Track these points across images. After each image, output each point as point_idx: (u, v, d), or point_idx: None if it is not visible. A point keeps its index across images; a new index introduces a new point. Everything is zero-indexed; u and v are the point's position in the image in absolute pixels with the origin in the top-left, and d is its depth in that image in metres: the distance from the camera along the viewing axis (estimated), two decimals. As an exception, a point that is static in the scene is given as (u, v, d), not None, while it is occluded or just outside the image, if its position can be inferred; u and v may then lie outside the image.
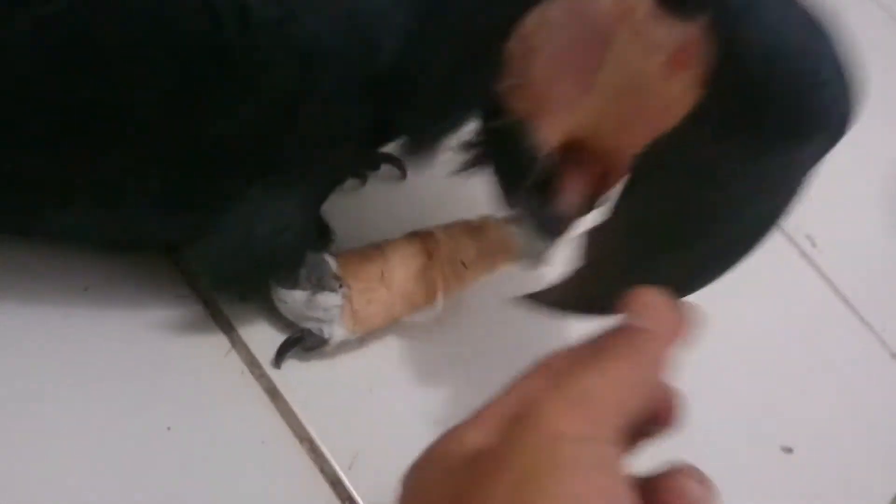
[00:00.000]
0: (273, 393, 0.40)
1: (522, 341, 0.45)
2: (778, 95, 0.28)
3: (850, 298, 0.61)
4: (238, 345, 0.41)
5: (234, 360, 0.40)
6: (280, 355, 0.40)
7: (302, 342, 0.40)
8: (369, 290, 0.40)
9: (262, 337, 0.41)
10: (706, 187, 0.30)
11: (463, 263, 0.42)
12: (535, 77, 0.32)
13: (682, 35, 0.29)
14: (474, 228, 0.43)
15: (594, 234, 0.34)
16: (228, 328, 0.41)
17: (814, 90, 0.28)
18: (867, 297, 0.61)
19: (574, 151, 0.33)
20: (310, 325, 0.40)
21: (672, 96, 0.30)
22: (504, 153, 0.34)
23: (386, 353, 0.43)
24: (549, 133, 0.33)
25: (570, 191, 0.35)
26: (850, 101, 0.29)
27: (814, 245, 0.62)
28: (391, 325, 0.42)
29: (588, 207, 0.35)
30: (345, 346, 0.42)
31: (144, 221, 0.35)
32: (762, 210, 0.31)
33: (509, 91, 0.32)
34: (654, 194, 0.32)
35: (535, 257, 0.39)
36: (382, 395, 0.42)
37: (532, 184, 0.34)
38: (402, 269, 0.41)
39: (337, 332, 0.40)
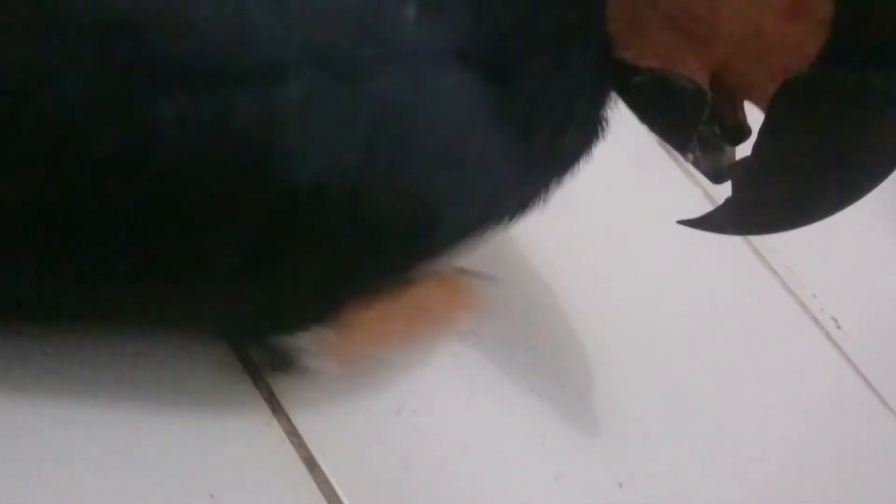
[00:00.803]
0: (310, 462, 0.41)
1: (549, 361, 0.49)
2: None
3: (874, 383, 0.62)
4: (279, 413, 0.42)
5: (276, 429, 0.41)
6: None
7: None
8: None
9: (304, 407, 0.42)
10: (842, 119, 0.32)
11: (432, 308, 0.45)
12: (659, 34, 0.33)
13: None
14: (447, 277, 0.45)
15: (745, 165, 0.36)
16: (270, 396, 0.42)
17: None
18: (892, 381, 0.62)
19: (719, 88, 0.35)
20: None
21: (798, 40, 0.31)
22: (661, 104, 0.36)
23: (423, 427, 0.45)
24: (695, 74, 0.34)
25: (730, 121, 0.36)
26: None
27: (839, 327, 0.63)
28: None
29: (744, 135, 0.37)
30: (382, 416, 0.43)
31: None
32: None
33: (639, 51, 0.34)
34: (793, 128, 0.33)
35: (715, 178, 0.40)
36: (419, 471, 0.43)
37: (698, 124, 0.36)
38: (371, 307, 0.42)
39: (313, 359, 0.41)
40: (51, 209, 0.32)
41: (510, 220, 0.41)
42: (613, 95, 0.38)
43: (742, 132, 0.36)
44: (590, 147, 0.39)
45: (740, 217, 0.37)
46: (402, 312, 0.44)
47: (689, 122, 0.35)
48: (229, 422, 0.41)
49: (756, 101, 0.35)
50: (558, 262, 0.55)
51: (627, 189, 0.62)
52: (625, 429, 0.51)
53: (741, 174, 0.36)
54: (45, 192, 0.31)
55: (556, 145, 0.38)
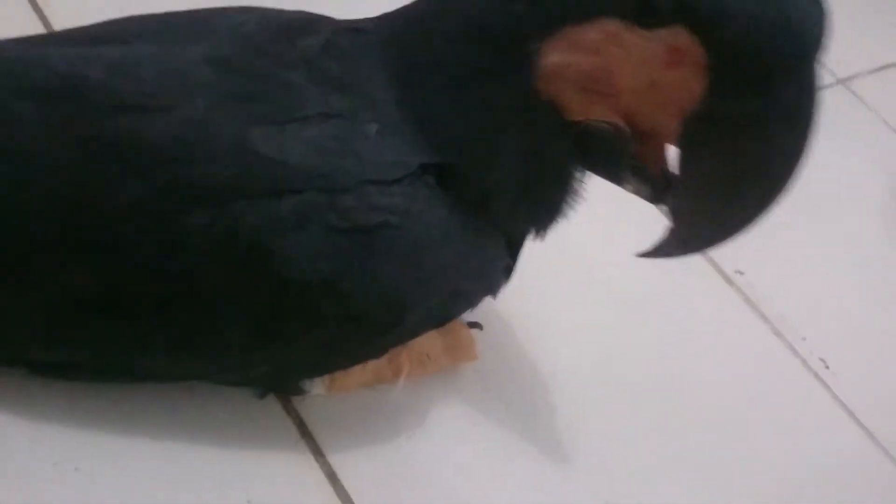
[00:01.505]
0: (333, 477, 0.49)
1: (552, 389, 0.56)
2: (762, 37, 0.34)
3: (865, 422, 0.66)
4: (306, 436, 0.50)
5: (303, 449, 0.49)
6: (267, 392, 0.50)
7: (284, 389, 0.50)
8: None
9: (328, 431, 0.50)
10: (742, 139, 0.36)
11: (427, 355, 0.52)
12: (574, 97, 0.38)
13: (667, 38, 0.36)
14: (445, 327, 0.52)
15: (675, 193, 0.40)
16: (298, 421, 0.50)
17: (783, 15, 0.34)
18: (884, 421, 0.66)
19: (635, 132, 0.40)
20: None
21: (685, 84, 0.36)
22: (593, 149, 0.40)
23: (430, 449, 0.52)
24: (613, 124, 0.39)
25: (651, 161, 0.41)
26: (819, 8, 0.35)
27: (827, 367, 0.68)
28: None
29: (666, 172, 0.41)
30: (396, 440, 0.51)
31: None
32: (795, 144, 0.37)
33: (568, 110, 0.39)
34: (702, 157, 0.38)
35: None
36: (426, 486, 0.50)
37: (627, 165, 0.41)
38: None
39: (316, 387, 0.49)
40: (105, 297, 0.41)
41: (485, 296, 0.48)
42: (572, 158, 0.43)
43: (666, 174, 0.41)
44: (557, 209, 0.45)
45: (682, 239, 0.41)
46: (405, 356, 0.52)
47: (617, 159, 0.40)
48: (263, 442, 0.49)
49: (669, 140, 0.39)
50: (550, 307, 0.62)
51: (615, 235, 0.69)
52: (613, 467, 0.56)
53: (672, 202, 0.41)
54: (101, 284, 0.41)
55: (518, 217, 0.44)
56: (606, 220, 0.69)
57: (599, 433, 0.57)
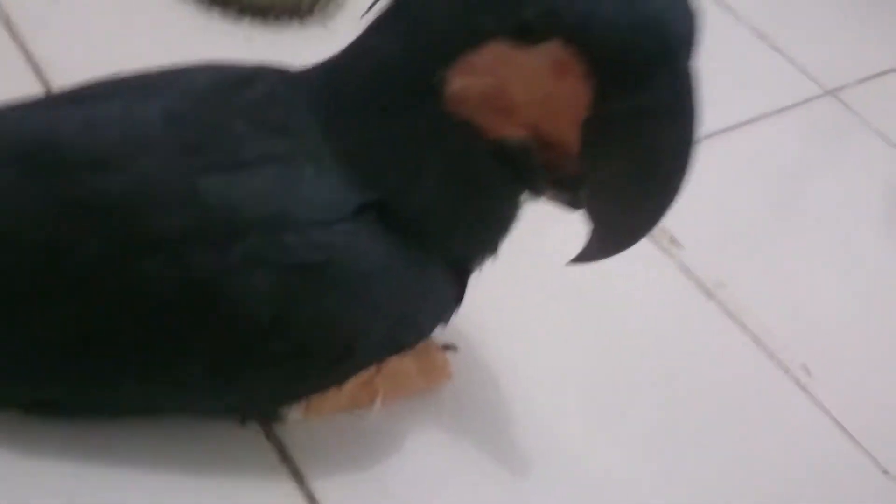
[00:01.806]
0: (311, 498, 0.52)
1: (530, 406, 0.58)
2: (626, 41, 0.37)
3: (848, 427, 0.67)
4: (286, 460, 0.53)
5: (283, 472, 0.52)
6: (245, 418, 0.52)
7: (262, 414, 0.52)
8: None
9: (306, 454, 0.53)
10: (632, 138, 0.39)
11: (402, 378, 0.55)
12: (482, 117, 0.41)
13: (548, 53, 0.38)
14: (418, 350, 0.54)
15: (587, 198, 0.43)
16: (279, 446, 0.53)
17: (645, 17, 0.37)
18: (866, 426, 0.66)
19: (543, 145, 0.42)
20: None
21: (574, 92, 0.38)
22: (511, 166, 0.43)
23: (405, 467, 0.54)
24: (517, 135, 0.41)
25: (563, 170, 0.42)
26: (684, 7, 0.38)
27: (809, 375, 0.70)
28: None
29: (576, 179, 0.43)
30: (372, 460, 0.53)
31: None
32: (682, 134, 0.39)
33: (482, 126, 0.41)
34: (602, 160, 0.40)
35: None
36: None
37: (541, 176, 0.43)
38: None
39: (293, 413, 0.52)
40: (78, 340, 0.45)
41: (435, 325, 0.50)
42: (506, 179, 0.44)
43: (576, 181, 0.42)
44: (494, 229, 0.47)
45: (601, 241, 0.43)
46: (380, 380, 0.55)
47: (528, 170, 0.42)
48: (245, 468, 0.52)
49: (574, 148, 0.40)
50: (526, 324, 0.65)
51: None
52: (593, 483, 0.58)
53: (585, 206, 0.43)
54: (74, 328, 0.44)
55: (458, 241, 0.47)
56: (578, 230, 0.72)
57: (579, 449, 0.59)
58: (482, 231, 0.47)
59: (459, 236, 0.46)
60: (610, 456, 0.59)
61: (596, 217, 0.43)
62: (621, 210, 0.42)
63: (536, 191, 0.44)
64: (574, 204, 0.44)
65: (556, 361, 0.63)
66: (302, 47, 0.60)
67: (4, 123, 0.47)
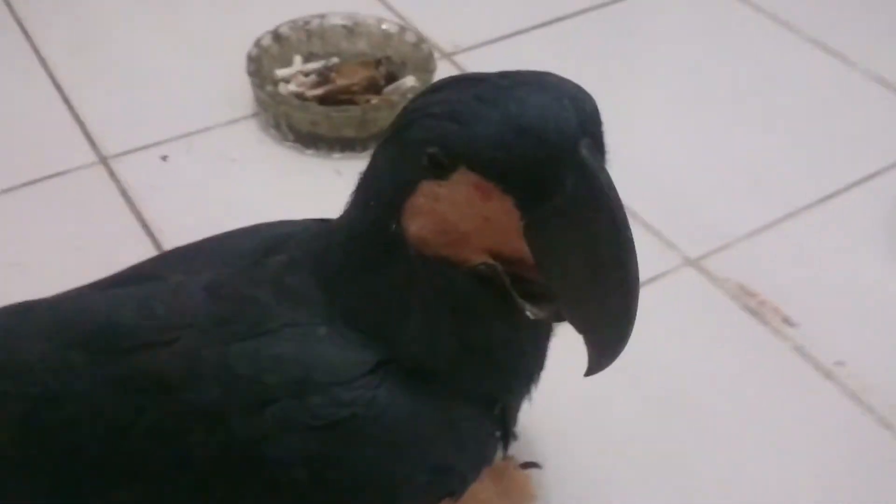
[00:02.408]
0: None
1: None
2: (516, 150, 0.38)
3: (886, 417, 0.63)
4: None
5: None
6: None
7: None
8: None
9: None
10: (569, 237, 0.39)
11: (482, 503, 0.53)
12: (446, 251, 0.42)
13: (464, 181, 0.40)
14: (496, 471, 0.54)
15: (559, 306, 0.42)
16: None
17: (520, 128, 0.38)
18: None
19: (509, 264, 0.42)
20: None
21: (506, 210, 0.39)
22: (476, 290, 0.43)
23: None
24: (484, 262, 0.42)
25: (537, 285, 0.43)
26: (568, 108, 0.38)
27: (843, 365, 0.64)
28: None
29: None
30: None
31: None
32: (606, 222, 0.38)
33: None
34: (553, 265, 0.40)
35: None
36: None
37: (507, 290, 0.43)
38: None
39: None
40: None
41: (479, 468, 0.50)
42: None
43: (544, 290, 0.42)
44: (517, 357, 0.47)
45: (595, 349, 0.42)
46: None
47: (503, 290, 0.43)
48: None
49: (531, 261, 0.41)
50: (620, 431, 0.63)
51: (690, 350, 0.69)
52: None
53: (566, 315, 0.42)
54: (138, 497, 0.47)
55: (477, 378, 0.46)
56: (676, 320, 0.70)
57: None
58: (498, 362, 0.47)
59: (477, 372, 0.46)
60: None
61: (578, 324, 0.42)
62: (594, 311, 0.41)
63: (522, 313, 0.43)
64: (557, 316, 0.43)
65: (653, 475, 0.61)
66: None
67: (74, 309, 0.53)
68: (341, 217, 0.48)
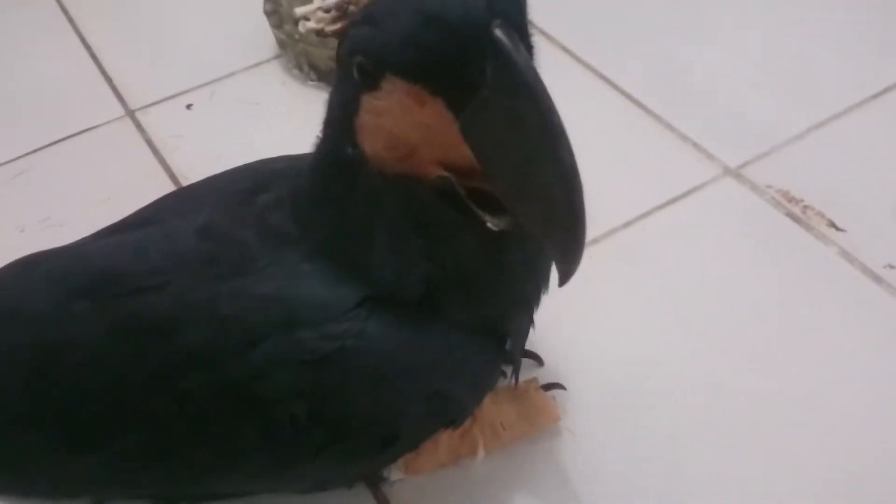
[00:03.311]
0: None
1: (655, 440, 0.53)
2: (426, 46, 0.36)
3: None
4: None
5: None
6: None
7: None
8: None
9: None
10: (502, 129, 0.37)
11: (502, 425, 0.53)
12: (400, 164, 0.41)
13: (394, 89, 0.38)
14: (517, 393, 0.52)
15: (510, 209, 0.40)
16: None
17: (434, 21, 0.35)
18: None
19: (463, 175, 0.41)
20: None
21: (439, 113, 0.38)
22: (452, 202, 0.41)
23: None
24: (439, 174, 0.41)
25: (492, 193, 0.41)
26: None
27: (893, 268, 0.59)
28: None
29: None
30: None
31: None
32: (534, 105, 0.36)
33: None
34: (495, 161, 0.38)
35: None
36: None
37: (464, 200, 0.41)
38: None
39: (394, 473, 0.53)
40: (152, 445, 0.48)
41: (479, 394, 0.49)
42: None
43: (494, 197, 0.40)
44: (500, 278, 0.45)
45: (557, 254, 0.40)
46: (477, 430, 0.54)
47: (462, 202, 0.41)
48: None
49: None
50: (655, 347, 0.61)
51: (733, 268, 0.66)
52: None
53: (521, 221, 0.40)
54: (145, 436, 0.48)
55: (467, 303, 0.45)
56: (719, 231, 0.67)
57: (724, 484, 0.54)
58: (481, 285, 0.45)
59: (461, 298, 0.45)
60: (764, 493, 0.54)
61: (530, 226, 0.40)
62: (538, 209, 0.39)
63: (483, 222, 0.41)
64: (515, 223, 0.41)
65: (689, 395, 0.59)
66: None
67: (78, 258, 0.53)
68: (311, 152, 0.47)
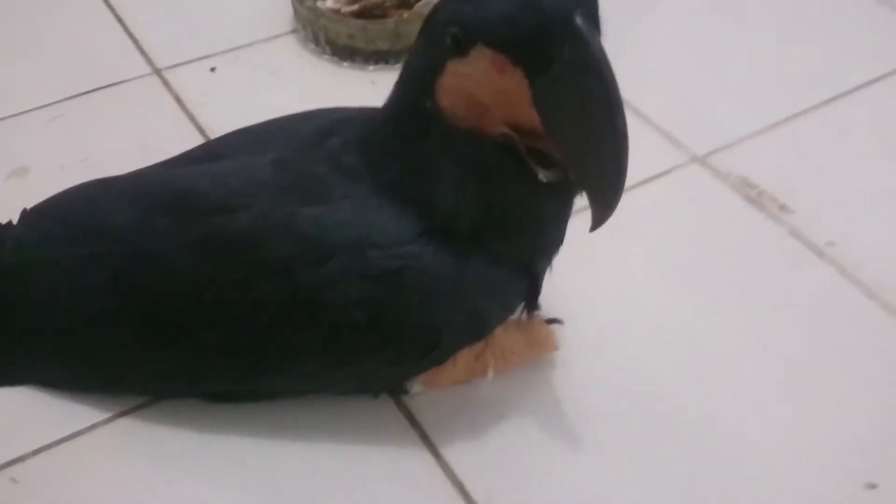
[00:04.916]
0: (436, 453, 0.60)
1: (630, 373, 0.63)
2: (520, 23, 0.44)
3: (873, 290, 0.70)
4: (413, 423, 0.62)
5: (411, 433, 0.61)
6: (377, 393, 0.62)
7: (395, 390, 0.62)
8: None
9: (432, 417, 0.62)
10: (569, 100, 0.45)
11: (511, 351, 0.62)
12: (471, 121, 0.49)
13: (481, 57, 0.46)
14: (524, 325, 0.62)
15: (565, 165, 0.49)
16: (408, 414, 0.62)
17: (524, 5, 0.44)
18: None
19: (522, 133, 0.49)
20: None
21: (515, 80, 0.45)
22: (512, 157, 0.50)
23: (529, 428, 0.62)
24: (504, 132, 0.49)
25: (549, 152, 0.49)
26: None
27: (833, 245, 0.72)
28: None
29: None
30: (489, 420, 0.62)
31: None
32: (599, 83, 0.44)
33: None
34: (559, 126, 0.46)
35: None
36: (522, 461, 0.61)
37: (523, 155, 0.49)
38: (465, 350, 0.59)
39: (415, 387, 0.61)
40: (228, 344, 0.56)
41: (505, 316, 0.58)
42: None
43: (555, 157, 0.49)
44: (528, 226, 0.54)
45: (596, 203, 0.49)
46: (489, 353, 0.63)
47: (522, 158, 0.49)
48: (380, 432, 0.61)
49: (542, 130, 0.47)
50: (632, 295, 0.71)
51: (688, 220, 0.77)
52: (698, 436, 0.63)
53: (573, 177, 0.49)
54: (223, 336, 0.56)
55: (510, 243, 0.54)
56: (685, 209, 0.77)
57: (681, 408, 0.64)
58: (520, 226, 0.54)
59: (501, 234, 0.53)
60: (723, 417, 0.63)
61: (579, 178, 0.49)
62: (592, 165, 0.47)
63: (535, 176, 0.50)
64: (565, 178, 0.50)
65: (662, 335, 0.69)
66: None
67: (156, 181, 0.61)
68: (385, 104, 0.55)
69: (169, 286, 0.56)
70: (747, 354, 0.68)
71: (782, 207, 0.79)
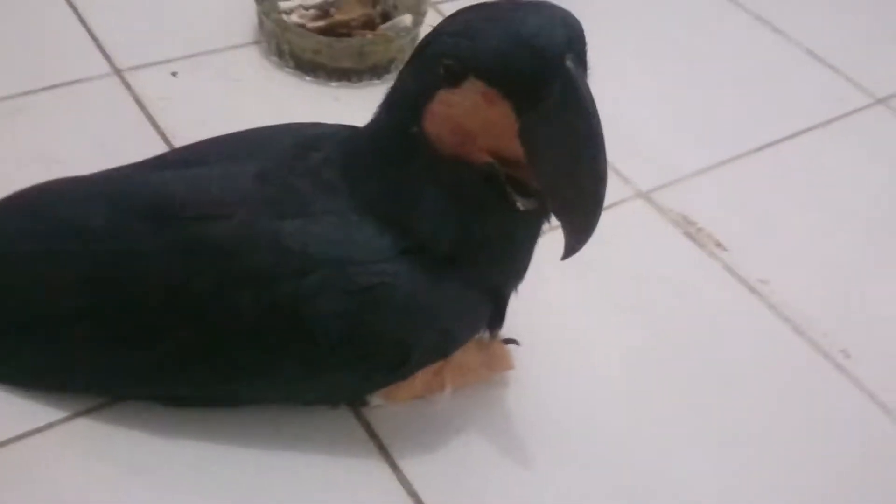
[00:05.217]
0: (393, 465, 0.62)
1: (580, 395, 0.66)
2: (513, 60, 0.46)
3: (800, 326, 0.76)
4: (371, 434, 0.64)
5: (368, 444, 0.63)
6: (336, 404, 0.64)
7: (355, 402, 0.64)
8: None
9: (388, 427, 0.64)
10: (553, 135, 0.47)
11: (468, 368, 0.65)
12: (455, 146, 0.51)
13: (473, 88, 0.48)
14: (482, 344, 0.64)
15: (544, 196, 0.51)
16: (366, 425, 0.64)
17: (518, 39, 0.46)
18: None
19: (504, 163, 0.51)
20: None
21: (504, 112, 0.48)
22: (492, 185, 0.52)
23: (483, 441, 0.65)
24: (487, 161, 0.51)
25: (529, 181, 0.51)
26: (559, 27, 0.47)
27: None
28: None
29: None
30: (444, 434, 0.64)
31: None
32: (584, 122, 0.46)
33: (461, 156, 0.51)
34: (541, 159, 0.48)
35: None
36: (474, 472, 0.63)
37: (504, 184, 0.52)
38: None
39: (375, 399, 0.63)
40: (199, 349, 0.57)
41: (472, 335, 0.60)
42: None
43: (532, 187, 0.51)
44: (513, 252, 0.57)
45: (571, 233, 0.51)
46: (448, 370, 0.65)
47: (502, 187, 0.52)
48: (338, 443, 0.63)
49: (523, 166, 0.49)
50: (581, 325, 0.75)
51: (638, 253, 0.81)
52: (640, 461, 0.67)
53: (550, 207, 0.52)
54: (194, 341, 0.56)
55: (483, 266, 0.56)
56: (629, 241, 0.81)
57: (624, 434, 0.68)
58: (493, 252, 0.56)
59: (476, 259, 0.56)
60: (660, 443, 0.67)
61: (558, 209, 0.52)
62: (571, 197, 0.50)
63: (514, 204, 0.53)
64: (542, 206, 0.53)
65: (608, 358, 0.73)
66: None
67: (132, 183, 0.61)
68: (369, 124, 0.57)
69: (144, 288, 0.56)
70: (685, 381, 0.72)
71: (718, 244, 0.84)
